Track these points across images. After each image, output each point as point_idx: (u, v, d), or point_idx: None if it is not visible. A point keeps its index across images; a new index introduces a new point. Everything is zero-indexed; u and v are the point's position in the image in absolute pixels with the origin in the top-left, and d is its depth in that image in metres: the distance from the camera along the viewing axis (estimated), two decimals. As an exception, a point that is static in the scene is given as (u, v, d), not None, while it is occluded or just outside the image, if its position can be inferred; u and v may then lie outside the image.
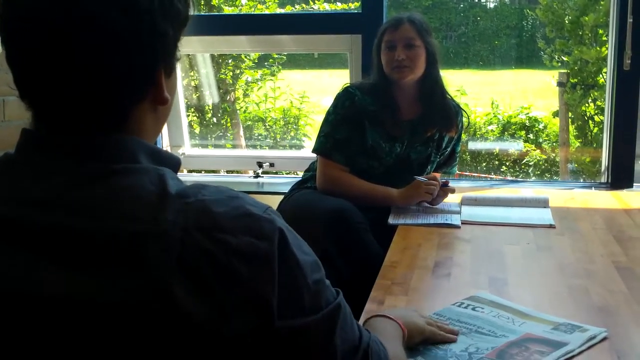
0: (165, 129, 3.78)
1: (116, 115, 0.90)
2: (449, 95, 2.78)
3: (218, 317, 0.81)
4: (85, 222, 0.82)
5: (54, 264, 0.81)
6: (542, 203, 2.63)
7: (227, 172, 4.20)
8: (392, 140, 2.68)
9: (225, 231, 0.84)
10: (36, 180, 0.86)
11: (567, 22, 5.64)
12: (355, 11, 3.57)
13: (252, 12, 4.91)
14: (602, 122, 4.80)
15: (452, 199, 2.68)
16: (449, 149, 2.83)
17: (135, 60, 0.88)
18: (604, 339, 1.46)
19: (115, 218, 0.82)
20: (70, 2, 0.84)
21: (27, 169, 0.88)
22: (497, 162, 6.18)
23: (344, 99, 2.68)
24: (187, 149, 3.87)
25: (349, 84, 2.77)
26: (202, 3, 4.93)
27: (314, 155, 2.74)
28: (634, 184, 3.27)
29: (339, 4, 5.26)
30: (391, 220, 2.46)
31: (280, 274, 0.86)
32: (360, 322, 1.44)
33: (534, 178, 5.84)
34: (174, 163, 0.95)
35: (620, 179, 3.28)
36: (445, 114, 2.71)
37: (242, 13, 4.87)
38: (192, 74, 4.52)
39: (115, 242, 0.81)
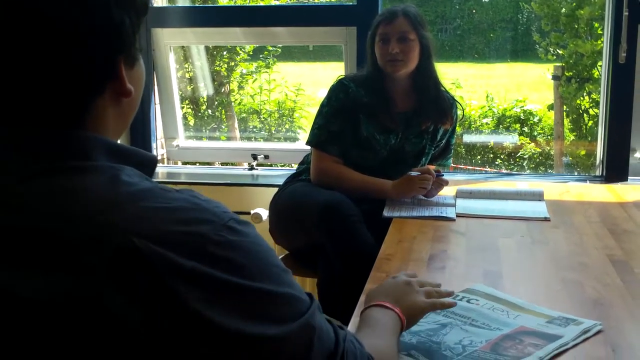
0: (159, 121, 3.78)
1: (72, 110, 0.86)
2: (444, 87, 2.77)
3: (152, 328, 0.77)
4: (21, 220, 0.79)
5: None
6: (537, 196, 2.63)
7: (222, 164, 4.19)
8: (387, 132, 2.68)
9: (168, 247, 0.78)
10: None
11: (562, 15, 5.63)
12: (350, 3, 3.56)
13: (247, 4, 4.90)
14: (597, 115, 4.81)
15: (447, 192, 2.67)
16: (443, 141, 2.83)
17: (90, 51, 0.84)
18: (599, 332, 1.46)
19: (54, 218, 0.78)
20: None
21: None
22: (492, 155, 6.19)
23: (338, 91, 2.67)
24: (182, 141, 3.86)
25: (343, 76, 2.76)
26: (197, -6, 4.92)
27: (309, 147, 2.74)
28: (629, 177, 3.28)
29: (334, -4, 5.25)
30: (386, 213, 2.46)
31: (229, 293, 0.81)
32: (356, 314, 1.44)
33: (528, 171, 5.85)
34: (143, 162, 0.91)
35: (614, 172, 3.28)
36: (439, 106, 2.71)
37: (236, 5, 4.85)
38: (186, 65, 4.50)
39: (50, 242, 0.77)
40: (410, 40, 2.61)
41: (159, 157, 3.76)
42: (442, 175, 2.61)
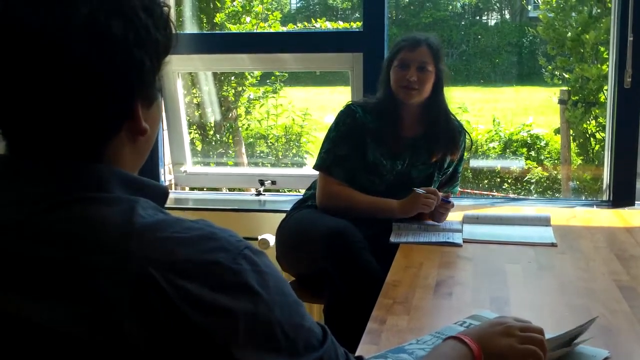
0: (167, 147, 3.80)
1: (90, 145, 0.88)
2: (453, 115, 2.78)
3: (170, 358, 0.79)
4: (41, 249, 0.80)
5: (5, 289, 0.80)
6: (544, 221, 2.63)
7: (229, 190, 4.20)
8: (393, 158, 2.69)
9: (185, 277, 0.80)
10: (1, 206, 0.84)
11: (568, 39, 5.65)
12: (357, 29, 3.58)
13: (255, 30, 4.93)
14: (603, 139, 4.81)
15: (453, 217, 2.68)
16: (450, 169, 2.84)
17: (109, 92, 0.85)
18: (606, 359, 1.46)
19: (72, 248, 0.80)
20: (40, 33, 0.81)
21: None
22: (498, 180, 6.18)
23: (346, 116, 2.70)
24: (189, 167, 3.88)
25: (351, 102, 2.78)
26: (205, 21, 4.96)
27: (316, 173, 2.75)
28: (636, 202, 3.27)
29: (341, 22, 5.28)
30: (393, 239, 2.46)
31: (247, 325, 0.82)
32: (363, 342, 1.43)
33: (535, 195, 5.83)
34: (157, 193, 0.92)
35: (621, 197, 3.27)
36: (449, 137, 2.72)
37: (244, 31, 4.89)
38: (194, 91, 4.54)
39: (69, 271, 0.79)
40: (428, 71, 2.64)
41: (167, 183, 3.78)
42: (450, 200, 2.62)
